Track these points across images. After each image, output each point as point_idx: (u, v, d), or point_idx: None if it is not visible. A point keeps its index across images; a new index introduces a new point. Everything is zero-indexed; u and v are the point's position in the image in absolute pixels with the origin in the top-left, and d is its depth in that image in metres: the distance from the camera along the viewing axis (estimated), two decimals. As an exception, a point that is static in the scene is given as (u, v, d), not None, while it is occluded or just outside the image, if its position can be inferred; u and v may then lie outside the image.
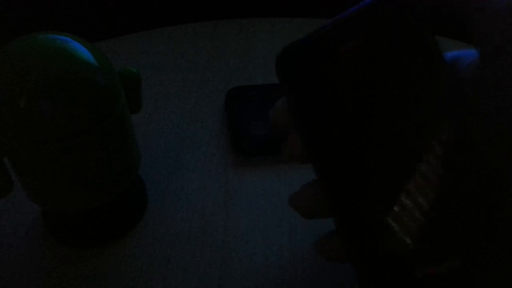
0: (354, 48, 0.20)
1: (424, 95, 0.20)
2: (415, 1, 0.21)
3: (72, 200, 0.29)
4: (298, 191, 0.24)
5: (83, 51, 0.26)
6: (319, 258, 0.32)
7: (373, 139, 0.20)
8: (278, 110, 0.23)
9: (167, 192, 0.36)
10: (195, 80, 0.46)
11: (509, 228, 0.20)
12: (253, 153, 0.38)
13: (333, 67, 0.20)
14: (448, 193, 0.20)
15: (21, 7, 0.61)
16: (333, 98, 0.20)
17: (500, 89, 0.20)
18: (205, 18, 0.54)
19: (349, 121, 0.20)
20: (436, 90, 0.20)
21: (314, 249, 0.23)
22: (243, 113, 0.41)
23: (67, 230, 0.33)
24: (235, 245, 0.33)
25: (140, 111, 0.33)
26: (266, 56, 0.49)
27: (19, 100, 0.24)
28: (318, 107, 0.20)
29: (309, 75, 0.20)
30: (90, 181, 0.28)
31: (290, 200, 0.24)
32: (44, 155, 0.26)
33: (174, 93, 0.45)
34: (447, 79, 0.20)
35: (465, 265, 0.20)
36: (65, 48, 0.25)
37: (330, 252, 0.23)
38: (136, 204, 0.35)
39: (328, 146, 0.20)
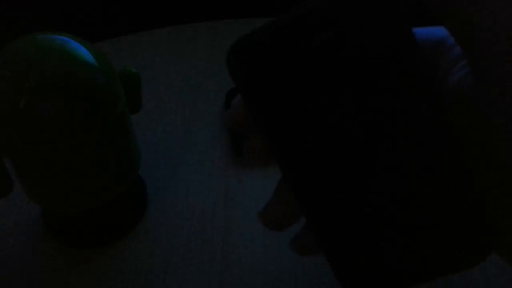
0: (322, 41, 0.17)
1: (389, 91, 0.18)
2: None
3: (72, 200, 0.29)
4: (263, 209, 0.23)
5: (83, 51, 0.26)
6: (318, 258, 0.32)
7: (335, 134, 0.19)
8: (234, 109, 0.20)
9: (167, 192, 0.36)
10: (195, 80, 0.46)
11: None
12: (253, 153, 0.38)
13: (289, 65, 0.18)
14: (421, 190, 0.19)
15: (21, 7, 0.61)
16: (290, 94, 0.18)
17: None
18: (205, 18, 0.54)
19: (310, 117, 0.18)
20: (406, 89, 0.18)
21: (290, 248, 0.23)
22: (243, 113, 0.40)
23: (67, 230, 0.33)
24: (235, 245, 0.33)
25: (140, 111, 0.33)
26: (266, 56, 0.49)
27: (19, 100, 0.24)
28: (276, 103, 0.18)
29: (266, 75, 0.18)
30: (90, 181, 0.28)
31: (261, 219, 0.22)
32: (44, 155, 0.26)
33: (174, 93, 0.45)
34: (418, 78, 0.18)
35: (431, 247, 0.20)
36: (65, 48, 0.25)
37: (304, 249, 0.23)
38: (136, 204, 0.35)
39: (289, 143, 0.19)
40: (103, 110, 0.26)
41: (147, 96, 0.44)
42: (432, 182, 0.19)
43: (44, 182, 0.28)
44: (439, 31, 0.20)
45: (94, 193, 0.29)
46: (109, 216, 0.33)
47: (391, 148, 0.19)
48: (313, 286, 0.30)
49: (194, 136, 0.41)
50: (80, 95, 0.25)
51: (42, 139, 0.25)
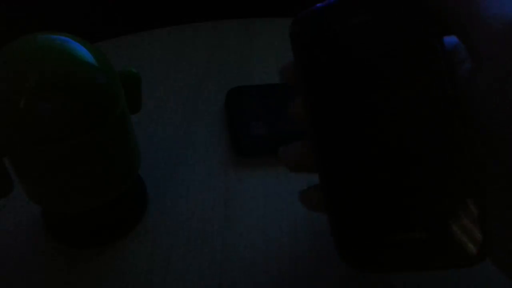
0: (359, 22, 0.22)
1: (417, 73, 0.21)
2: None
3: (72, 200, 0.29)
4: (288, 146, 0.25)
5: (83, 51, 0.26)
6: (319, 257, 0.32)
7: (364, 106, 0.22)
8: (286, 66, 0.25)
9: (167, 192, 0.36)
10: (195, 80, 0.46)
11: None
12: (253, 153, 0.38)
13: (337, 37, 0.23)
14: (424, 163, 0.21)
15: (21, 7, 0.61)
16: (333, 62, 0.23)
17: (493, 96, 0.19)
18: (205, 18, 0.54)
19: (345, 86, 0.22)
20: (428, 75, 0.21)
21: (299, 199, 0.26)
22: (243, 113, 0.41)
23: (67, 230, 0.33)
24: (235, 245, 0.33)
25: (140, 111, 0.33)
26: (266, 56, 0.49)
27: (19, 100, 0.24)
28: (321, 69, 0.23)
29: (318, 41, 0.23)
30: (90, 181, 0.28)
31: (280, 153, 0.25)
32: (44, 155, 0.26)
33: (174, 93, 0.45)
34: (441, 68, 0.21)
35: (431, 237, 0.21)
36: (65, 48, 0.25)
37: (312, 203, 0.25)
38: (136, 204, 0.35)
39: (323, 106, 0.23)
40: (103, 110, 0.26)
41: (147, 96, 0.44)
42: (439, 180, 0.21)
43: (44, 182, 0.28)
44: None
45: (94, 193, 0.29)
46: (109, 216, 0.33)
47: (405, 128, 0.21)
48: (313, 286, 0.30)
49: (194, 136, 0.41)
50: (80, 95, 0.25)
51: (42, 139, 0.25)
